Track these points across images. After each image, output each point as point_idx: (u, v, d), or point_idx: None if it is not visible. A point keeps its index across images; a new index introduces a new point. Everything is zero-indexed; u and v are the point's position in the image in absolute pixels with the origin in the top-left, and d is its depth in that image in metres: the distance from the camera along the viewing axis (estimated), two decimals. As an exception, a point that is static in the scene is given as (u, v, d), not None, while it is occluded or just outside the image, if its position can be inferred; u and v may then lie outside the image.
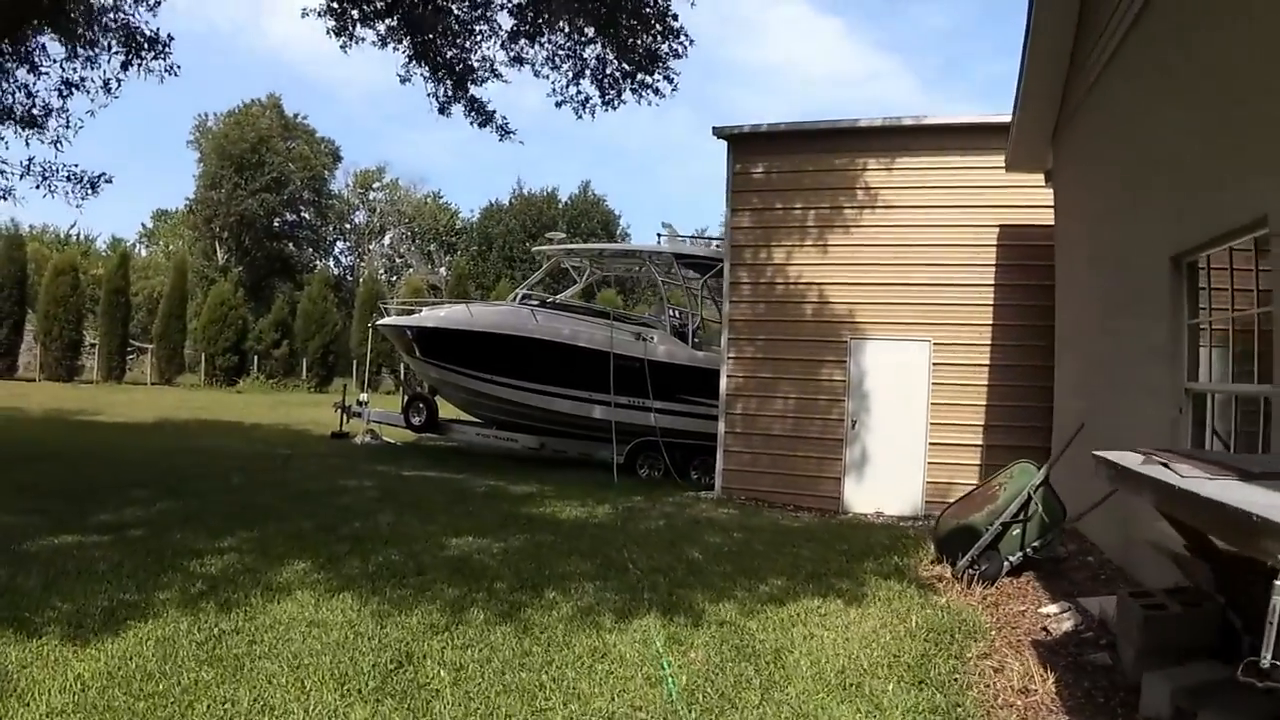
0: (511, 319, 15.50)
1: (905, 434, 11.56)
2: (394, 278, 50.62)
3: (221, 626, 5.29)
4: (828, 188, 11.87)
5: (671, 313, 15.99)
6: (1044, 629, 6.37)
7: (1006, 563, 7.46)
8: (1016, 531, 7.57)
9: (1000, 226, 11.47)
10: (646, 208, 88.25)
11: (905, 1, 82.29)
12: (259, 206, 47.48)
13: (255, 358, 36.86)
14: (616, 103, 11.92)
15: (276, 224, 51.01)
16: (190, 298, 40.46)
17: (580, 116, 12.12)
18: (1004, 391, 11.39)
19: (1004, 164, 11.05)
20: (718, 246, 15.28)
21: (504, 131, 11.68)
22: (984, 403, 11.45)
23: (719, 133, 12.02)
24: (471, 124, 11.53)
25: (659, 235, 15.84)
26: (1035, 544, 7.62)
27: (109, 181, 11.90)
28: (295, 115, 51.41)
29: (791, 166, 12.02)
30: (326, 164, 52.33)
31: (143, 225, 64.17)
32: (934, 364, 11.50)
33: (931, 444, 11.48)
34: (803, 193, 11.94)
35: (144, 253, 59.32)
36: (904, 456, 11.56)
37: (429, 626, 5.50)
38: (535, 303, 16.32)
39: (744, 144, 12.16)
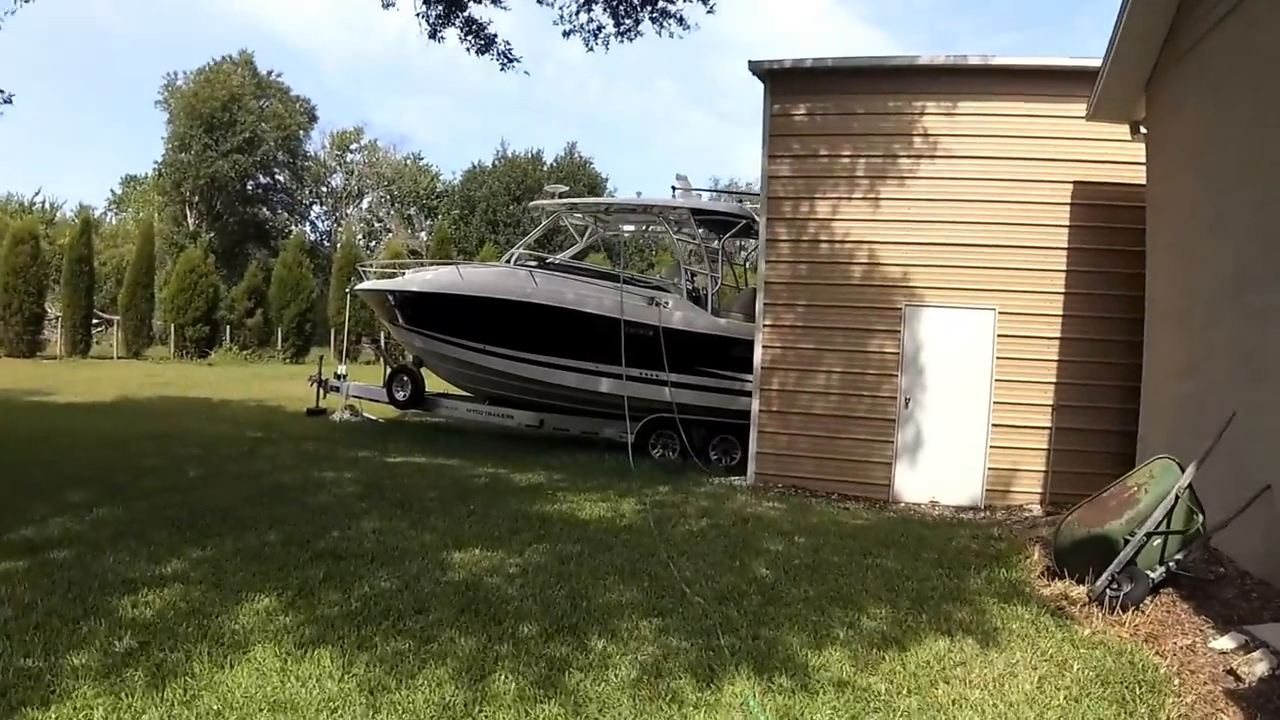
0: (507, 282, 13.71)
1: (965, 414, 10.01)
2: (373, 243, 48.17)
3: (150, 716, 3.64)
4: (880, 133, 10.18)
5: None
6: (1230, 673, 4.92)
7: (1149, 581, 5.98)
8: (1156, 543, 6.09)
9: (1073, 183, 9.88)
10: (632, 177, 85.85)
11: None
12: (230, 169, 44.91)
13: (227, 328, 34.66)
14: (634, 34, 10.17)
15: (249, 187, 48.49)
16: (160, 266, 38.18)
17: (591, 48, 10.36)
18: (1077, 368, 9.86)
19: (1083, 113, 9.50)
20: (742, 202, 13.56)
21: (506, 59, 9.90)
22: (1054, 380, 9.91)
23: (755, 68, 10.27)
24: (469, 50, 9.74)
25: (673, 189, 13.98)
26: (1177, 557, 6.15)
27: (8, 102, 9.91)
28: (269, 73, 48.73)
29: (838, 108, 10.31)
30: (302, 124, 49.58)
31: (111, 192, 61.32)
32: (999, 336, 9.93)
33: (995, 426, 9.94)
34: (851, 138, 10.24)
35: (113, 220, 56.51)
36: (963, 440, 10.02)
37: (442, 708, 3.88)
38: (533, 263, 14.52)
39: (784, 81, 10.41)
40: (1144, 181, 9.59)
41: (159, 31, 77.37)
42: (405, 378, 15.18)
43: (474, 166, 50.78)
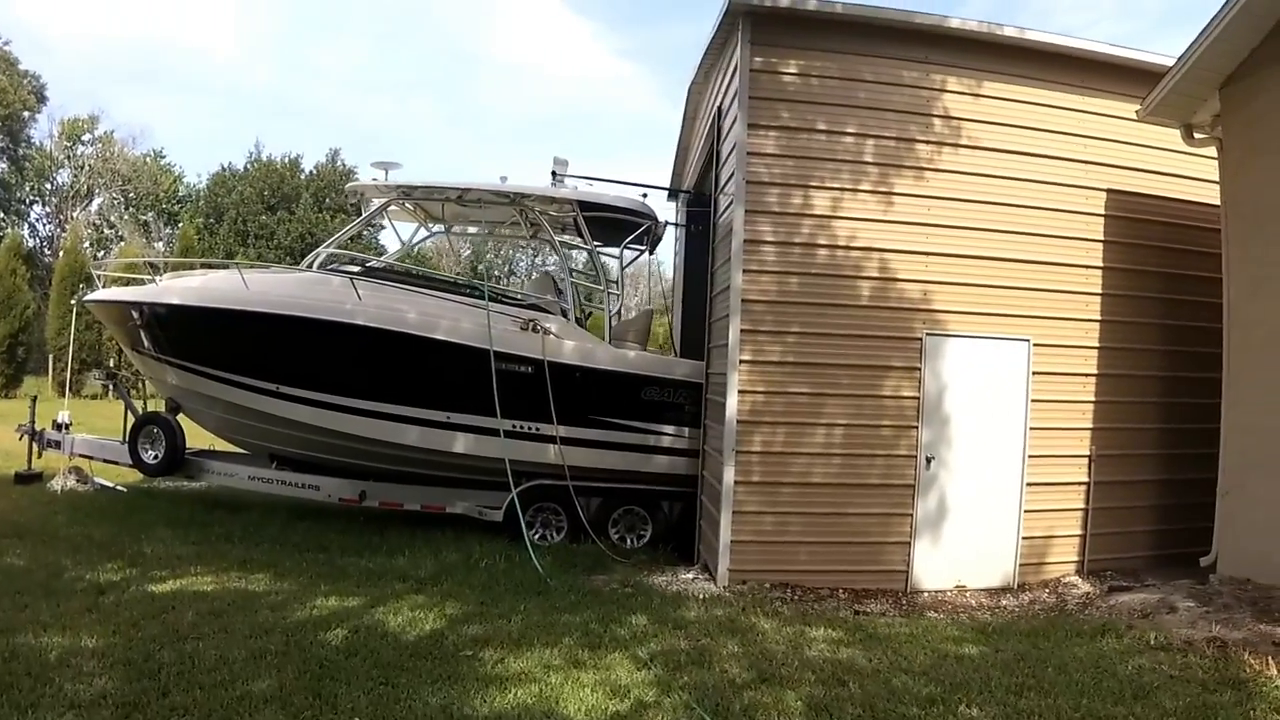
0: (316, 293, 8.90)
1: (995, 473, 7.09)
2: (101, 252, 38.11)
3: None
4: (892, 109, 6.99)
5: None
6: None
7: None
8: None
9: (1108, 192, 7.32)
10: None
11: (651, 13, 77.62)
12: (-66, 151, 33.91)
13: (-85, 352, 25.19)
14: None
15: (-43, 179, 37.18)
16: None
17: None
18: (1115, 410, 7.31)
19: (1119, 112, 7.23)
20: (645, 196, 9.83)
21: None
22: (1090, 425, 7.28)
23: (733, 3, 6.72)
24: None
25: (553, 174, 9.84)
26: None
27: None
28: (-9, 39, 37.56)
29: (840, 71, 6.98)
30: (29, 104, 38.65)
31: None
32: (1034, 372, 7.13)
33: (1030, 485, 7.12)
34: (856, 112, 6.97)
35: None
36: (993, 505, 7.09)
37: None
38: (355, 269, 9.69)
39: (770, 28, 6.90)
40: (1182, 195, 7.40)
41: None
42: (157, 431, 9.77)
43: (223, 169, 42.36)
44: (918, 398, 6.95)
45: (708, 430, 8.05)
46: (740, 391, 6.86)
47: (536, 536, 8.53)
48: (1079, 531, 7.23)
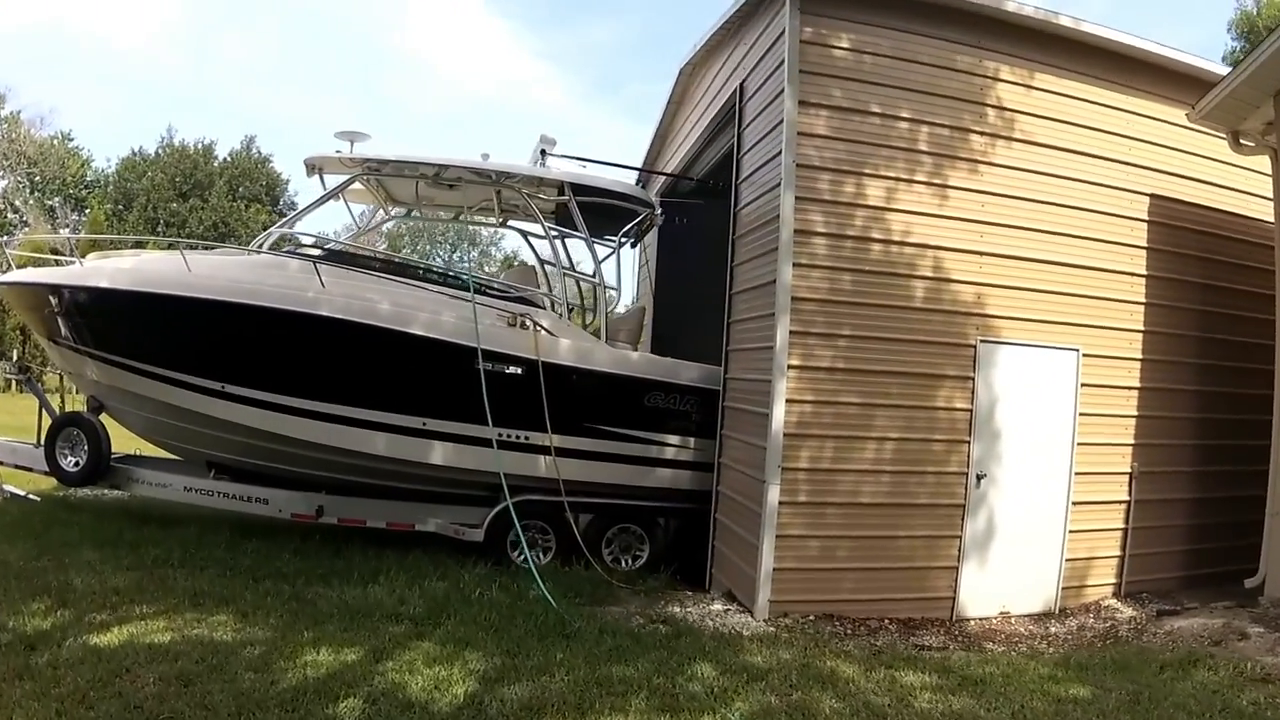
0: (272, 279, 7.51)
1: (1043, 491, 6.43)
2: (5, 238, 34.14)
3: None
4: (946, 95, 6.20)
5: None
6: None
7: None
8: None
9: (1151, 197, 6.77)
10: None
11: (570, 14, 75.56)
12: None
13: None
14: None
15: None
16: None
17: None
18: (1155, 426, 6.77)
19: (1165, 115, 6.73)
20: (641, 183, 8.78)
21: None
22: (1132, 441, 6.71)
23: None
24: None
25: (541, 153, 8.60)
26: None
27: None
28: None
29: (895, 50, 6.14)
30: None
31: None
32: (1082, 384, 6.50)
33: (1075, 503, 6.49)
34: (910, 96, 6.15)
35: None
36: (1039, 525, 6.42)
37: None
38: (316, 252, 8.24)
39: (823, -5, 6.05)
40: (1225, 206, 6.97)
41: None
42: (79, 433, 8.12)
43: (134, 154, 39.25)
44: (970, 410, 6.21)
45: (727, 442, 7.12)
46: (788, 399, 5.92)
47: (521, 559, 7.39)
48: (1118, 552, 6.67)
